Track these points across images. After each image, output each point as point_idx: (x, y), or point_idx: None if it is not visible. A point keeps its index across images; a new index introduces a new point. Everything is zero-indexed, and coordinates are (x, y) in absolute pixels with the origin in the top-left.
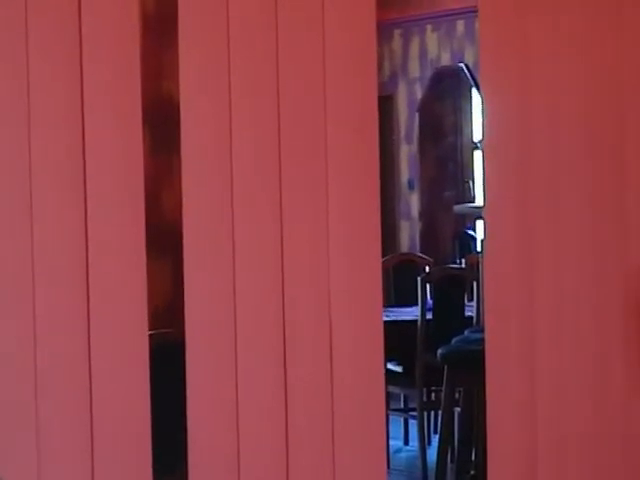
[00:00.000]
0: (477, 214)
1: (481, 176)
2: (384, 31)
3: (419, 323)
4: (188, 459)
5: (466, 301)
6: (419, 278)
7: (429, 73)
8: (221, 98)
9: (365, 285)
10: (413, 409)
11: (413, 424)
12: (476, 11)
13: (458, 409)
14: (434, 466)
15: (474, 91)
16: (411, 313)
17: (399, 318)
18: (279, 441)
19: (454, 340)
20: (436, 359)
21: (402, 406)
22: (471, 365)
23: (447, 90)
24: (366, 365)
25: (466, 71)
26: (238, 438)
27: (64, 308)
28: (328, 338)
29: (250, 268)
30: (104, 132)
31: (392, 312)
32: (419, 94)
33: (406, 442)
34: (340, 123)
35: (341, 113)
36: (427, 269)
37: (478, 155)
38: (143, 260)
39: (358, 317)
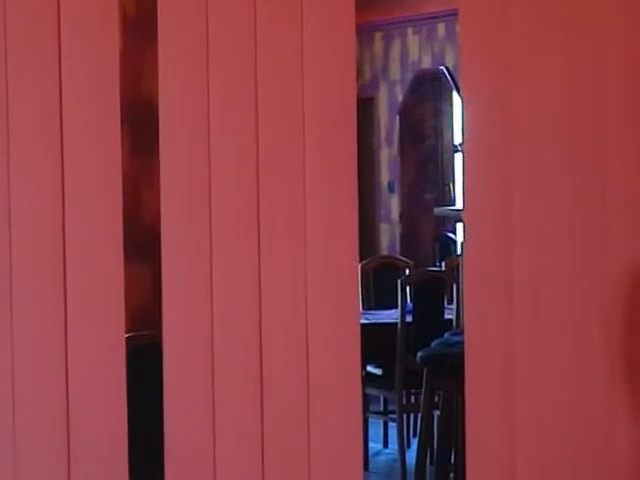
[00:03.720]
0: (457, 217)
1: (461, 179)
2: (365, 33)
3: (399, 326)
4: (164, 461)
5: (446, 304)
6: (399, 281)
7: (410, 76)
8: (200, 99)
9: (342, 288)
10: (393, 412)
11: (392, 427)
12: (457, 14)
13: (438, 412)
14: (413, 469)
15: (455, 94)
16: (391, 316)
17: (379, 321)
18: (255, 444)
19: (434, 343)
20: (416, 362)
21: (382, 409)
22: (451, 368)
23: (428, 93)
24: (342, 368)
25: (447, 74)
26: (214, 441)
27: (41, 311)
28: (304, 341)
29: (227, 270)
30: (82, 133)
31: (372, 315)
32: (400, 97)
33: (385, 445)
34: (319, 125)
35: (320, 115)
36: (407, 272)
37: (458, 158)
38: (121, 263)
39: (335, 320)
